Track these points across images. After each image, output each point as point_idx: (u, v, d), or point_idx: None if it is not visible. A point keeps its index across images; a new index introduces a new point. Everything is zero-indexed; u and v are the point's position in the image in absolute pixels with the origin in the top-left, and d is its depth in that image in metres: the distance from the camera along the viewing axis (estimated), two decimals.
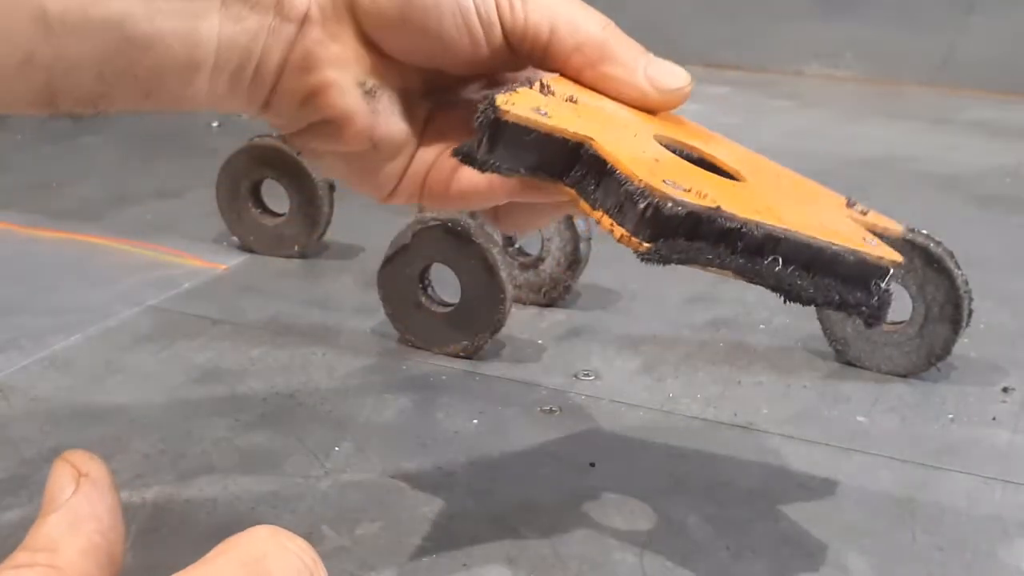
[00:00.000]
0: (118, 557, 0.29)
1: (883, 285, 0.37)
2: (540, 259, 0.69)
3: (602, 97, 0.39)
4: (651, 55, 0.39)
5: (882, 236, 0.41)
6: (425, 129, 0.40)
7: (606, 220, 0.35)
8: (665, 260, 0.35)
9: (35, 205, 0.88)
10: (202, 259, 0.78)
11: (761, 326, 0.68)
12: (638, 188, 0.34)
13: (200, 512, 0.49)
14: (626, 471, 0.52)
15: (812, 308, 0.62)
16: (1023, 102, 1.24)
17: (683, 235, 0.35)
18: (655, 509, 0.49)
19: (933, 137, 1.12)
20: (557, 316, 0.69)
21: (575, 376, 0.62)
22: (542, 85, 0.37)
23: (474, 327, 0.62)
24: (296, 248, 0.77)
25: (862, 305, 0.37)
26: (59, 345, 0.65)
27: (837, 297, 0.37)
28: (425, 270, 0.63)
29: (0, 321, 0.68)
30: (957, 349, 0.61)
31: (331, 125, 0.38)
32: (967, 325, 0.60)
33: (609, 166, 0.35)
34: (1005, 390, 0.60)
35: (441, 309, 0.63)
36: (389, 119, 0.39)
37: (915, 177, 0.99)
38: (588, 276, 0.71)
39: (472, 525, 0.48)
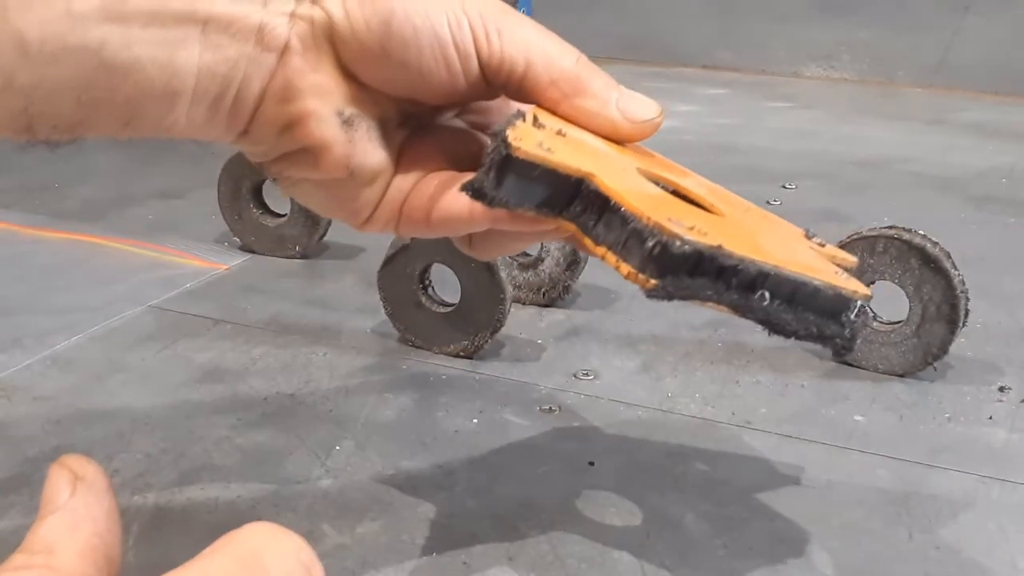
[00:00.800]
0: (116, 559, 0.29)
1: (853, 317, 0.39)
2: (539, 259, 0.69)
3: (580, 129, 0.40)
4: (622, 88, 0.40)
5: (841, 267, 0.42)
6: (401, 156, 0.41)
7: (611, 256, 0.37)
8: (670, 296, 0.36)
9: (38, 206, 0.88)
10: (204, 259, 0.78)
11: (759, 326, 0.68)
12: (646, 227, 0.35)
13: (201, 511, 0.49)
14: (625, 470, 0.53)
15: None
16: (1019, 103, 1.24)
17: (686, 272, 0.36)
18: (653, 507, 0.50)
19: (929, 138, 1.12)
20: (556, 316, 0.69)
21: (574, 376, 0.62)
22: (535, 119, 0.38)
23: (474, 327, 0.62)
24: (297, 248, 0.78)
25: (837, 337, 0.39)
26: (61, 345, 0.65)
27: (815, 330, 0.38)
28: (425, 270, 0.63)
29: (3, 320, 0.68)
30: (954, 349, 0.61)
31: (308, 153, 0.39)
32: (964, 325, 0.60)
33: (613, 203, 0.36)
34: (1001, 389, 0.61)
35: (441, 309, 0.63)
36: (366, 147, 0.39)
37: (911, 178, 0.99)
38: (587, 276, 0.71)
39: (472, 523, 0.48)
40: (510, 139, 0.35)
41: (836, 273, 0.40)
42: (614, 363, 0.63)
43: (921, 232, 0.60)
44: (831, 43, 1.38)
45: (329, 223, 0.78)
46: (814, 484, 0.52)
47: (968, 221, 0.87)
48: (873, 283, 0.61)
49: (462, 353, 0.63)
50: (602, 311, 0.70)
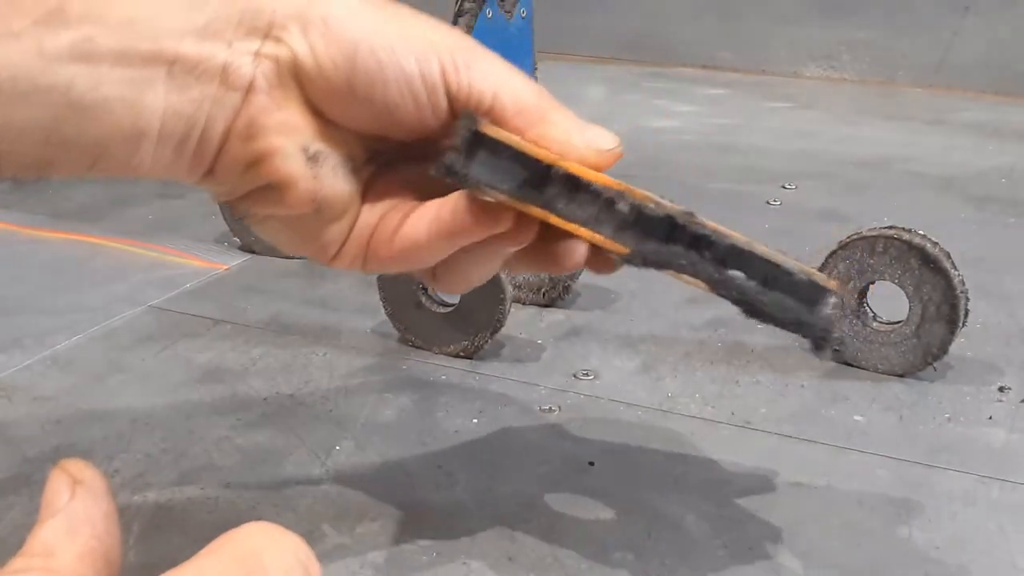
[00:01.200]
0: (115, 561, 0.29)
1: (828, 310, 0.40)
2: None
3: None
4: (582, 121, 0.40)
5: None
6: (368, 192, 0.41)
7: (584, 231, 0.37)
8: (645, 262, 0.38)
9: (38, 206, 0.88)
10: (204, 259, 0.78)
11: (759, 326, 0.68)
12: (619, 192, 0.37)
13: (201, 511, 0.49)
14: (625, 470, 0.53)
15: None
16: (1019, 103, 1.24)
17: (660, 239, 0.38)
18: (653, 508, 0.50)
19: (929, 138, 1.12)
20: (556, 316, 0.69)
21: (574, 376, 0.62)
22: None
23: (474, 327, 0.62)
24: None
25: (814, 326, 0.40)
26: (61, 345, 0.65)
27: (793, 316, 0.39)
28: None
29: (3, 321, 0.68)
30: (953, 349, 0.61)
31: (274, 190, 0.39)
32: (963, 325, 0.60)
33: (583, 181, 0.37)
34: (1001, 389, 0.61)
35: (441, 309, 0.63)
36: (332, 182, 0.39)
37: (911, 178, 0.99)
38: (587, 276, 0.71)
39: (472, 523, 0.48)
40: (479, 120, 0.36)
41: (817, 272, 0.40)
42: (614, 363, 0.63)
43: (921, 232, 0.60)
44: (831, 43, 1.38)
45: None
46: (814, 484, 0.52)
47: (968, 221, 0.87)
48: (873, 283, 0.62)
49: (462, 353, 0.63)
50: (602, 311, 0.70)
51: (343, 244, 0.41)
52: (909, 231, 0.60)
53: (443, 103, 0.38)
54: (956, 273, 0.60)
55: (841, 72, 1.36)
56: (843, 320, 0.62)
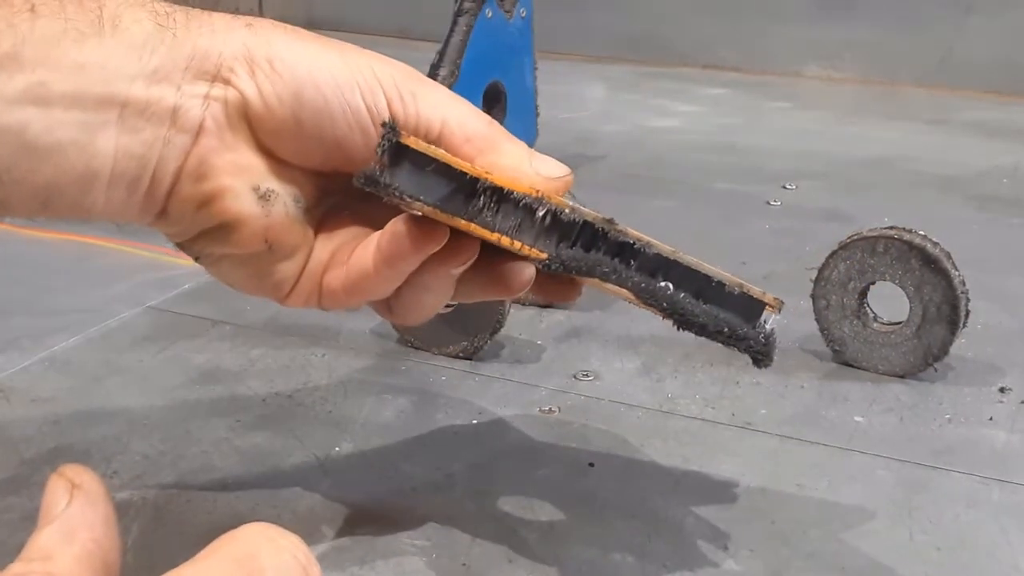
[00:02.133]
0: (113, 564, 0.29)
1: (768, 325, 0.40)
2: None
3: None
4: (533, 151, 0.41)
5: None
6: (321, 228, 0.42)
7: (505, 239, 0.38)
8: (565, 267, 0.38)
9: None
10: None
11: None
12: (536, 199, 0.37)
13: (200, 512, 0.49)
14: (625, 471, 0.53)
15: (810, 308, 0.62)
16: (1021, 102, 1.24)
17: (581, 246, 0.38)
18: (654, 509, 0.50)
19: (931, 138, 1.12)
20: (556, 317, 0.69)
21: (574, 377, 0.62)
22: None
23: (474, 328, 0.62)
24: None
25: (751, 340, 0.40)
26: (59, 346, 0.65)
27: (726, 328, 0.39)
28: None
29: (0, 322, 0.68)
30: (954, 349, 0.61)
31: (225, 229, 0.39)
32: (964, 325, 0.60)
33: (506, 191, 0.37)
34: (1002, 390, 0.60)
35: (441, 310, 0.63)
36: (284, 220, 0.40)
37: (913, 178, 0.99)
38: None
39: (471, 525, 0.48)
40: (402, 131, 0.36)
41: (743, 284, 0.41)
42: (614, 364, 0.63)
43: (922, 232, 0.60)
44: (832, 43, 1.38)
45: None
46: (815, 485, 0.52)
47: (969, 221, 0.87)
48: (874, 283, 0.61)
49: (462, 354, 0.63)
50: (602, 312, 0.70)
51: (296, 282, 0.42)
52: (910, 231, 0.60)
53: None
54: (957, 273, 0.59)
55: (842, 72, 1.36)
56: (843, 321, 0.62)
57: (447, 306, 0.63)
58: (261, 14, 1.54)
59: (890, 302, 0.62)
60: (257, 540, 0.29)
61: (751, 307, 0.40)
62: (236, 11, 1.58)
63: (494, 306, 0.61)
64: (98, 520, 0.29)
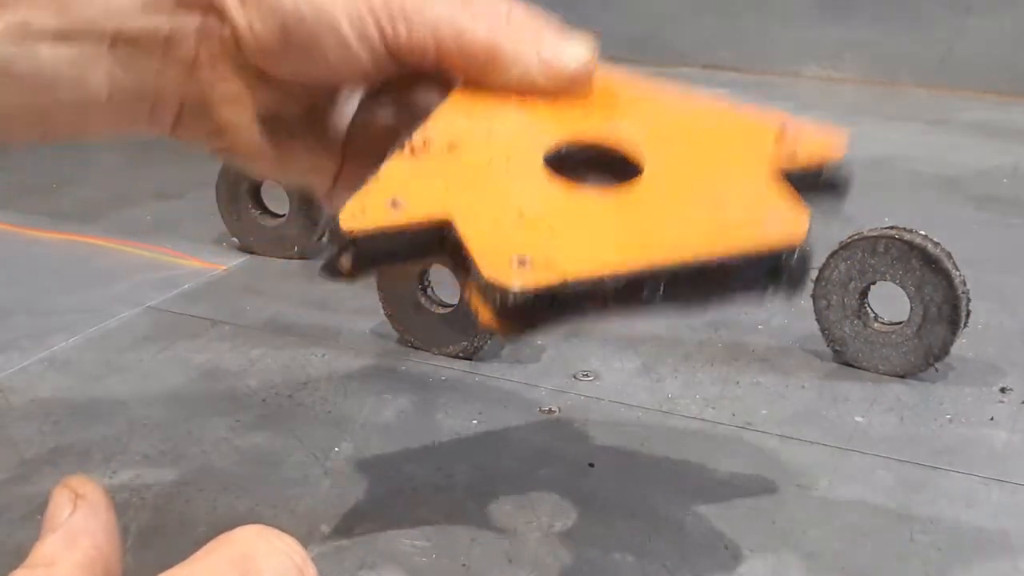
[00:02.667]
0: (115, 571, 0.30)
1: (792, 263, 0.34)
2: None
3: (505, 99, 0.38)
4: (547, 34, 0.37)
5: (816, 170, 0.38)
6: (347, 146, 0.41)
7: (475, 299, 0.33)
8: (536, 329, 0.33)
9: (35, 206, 0.88)
10: (202, 260, 0.78)
11: (759, 326, 0.68)
12: (485, 282, 0.32)
13: (200, 512, 0.49)
14: (625, 471, 0.53)
15: (811, 308, 0.62)
16: (1021, 103, 1.24)
17: (543, 308, 0.32)
18: (654, 509, 0.50)
19: (931, 138, 1.12)
20: None
21: (574, 377, 0.62)
22: (412, 147, 0.36)
23: (473, 327, 0.62)
24: (296, 249, 0.78)
25: (769, 288, 0.34)
26: (59, 346, 0.65)
27: (738, 293, 0.34)
28: (425, 271, 0.63)
29: (0, 321, 0.68)
30: (955, 349, 0.61)
31: (239, 157, 0.40)
32: (965, 325, 0.60)
33: (464, 251, 0.33)
34: (1003, 390, 0.60)
35: (440, 310, 0.63)
36: (291, 144, 0.40)
37: (913, 177, 0.99)
38: None
39: (471, 525, 0.48)
40: (342, 222, 0.33)
41: (771, 212, 0.35)
42: (614, 364, 0.63)
43: (922, 232, 0.60)
44: (833, 43, 1.37)
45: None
46: (815, 485, 0.52)
47: (970, 221, 0.87)
48: (874, 283, 0.61)
49: (461, 354, 0.63)
50: None
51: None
52: (910, 231, 0.60)
53: (387, 61, 0.37)
54: (958, 273, 0.59)
55: (842, 72, 1.36)
56: (844, 321, 0.62)
57: (447, 306, 0.63)
58: None
59: (891, 302, 0.61)
60: (253, 541, 0.29)
61: (763, 261, 0.34)
62: None
63: None
64: (100, 528, 0.30)
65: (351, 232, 0.33)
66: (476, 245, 0.33)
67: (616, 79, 0.40)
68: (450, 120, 0.37)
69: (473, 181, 0.35)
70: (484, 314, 0.33)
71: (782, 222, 0.34)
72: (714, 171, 0.38)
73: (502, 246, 0.33)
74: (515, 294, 0.32)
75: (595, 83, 0.39)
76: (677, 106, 0.42)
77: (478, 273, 0.32)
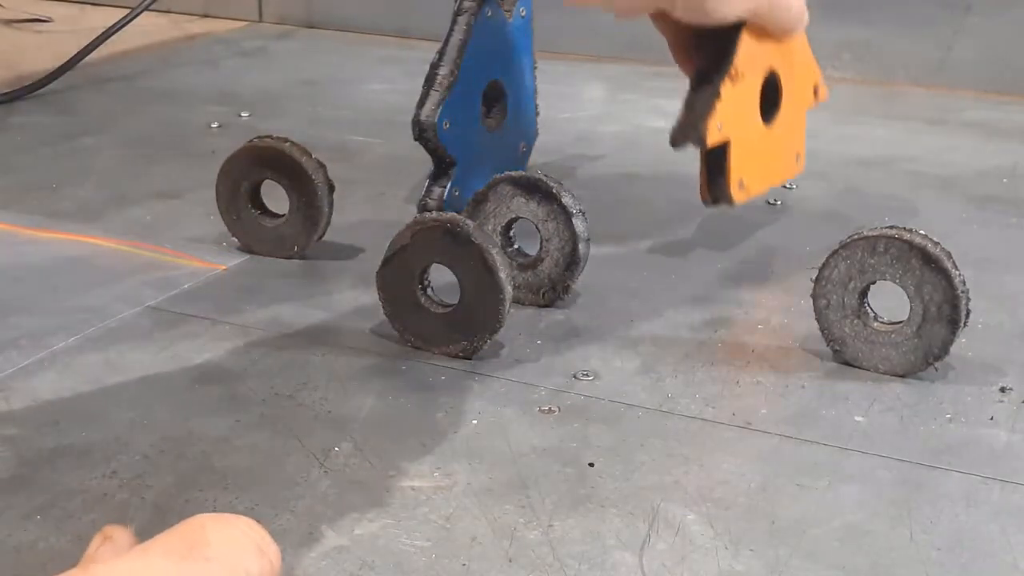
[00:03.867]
0: None
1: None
2: (539, 259, 0.69)
3: (753, 37, 0.62)
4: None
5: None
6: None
7: (704, 187, 0.66)
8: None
9: (34, 206, 0.88)
10: (202, 260, 0.78)
11: (759, 326, 0.68)
12: (725, 192, 0.66)
13: (200, 512, 0.48)
14: (625, 471, 0.53)
15: (810, 308, 0.62)
16: (1020, 102, 1.24)
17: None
18: (654, 508, 0.50)
19: (930, 138, 1.12)
20: (556, 316, 0.69)
21: (574, 376, 0.62)
22: (732, 76, 0.61)
23: (473, 327, 0.62)
24: (296, 249, 0.78)
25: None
26: (59, 346, 0.65)
27: None
28: (424, 270, 0.63)
29: (0, 321, 0.68)
30: (955, 349, 0.61)
31: None
32: (965, 325, 0.60)
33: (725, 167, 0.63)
34: (1003, 390, 0.60)
35: (440, 309, 0.63)
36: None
37: (913, 177, 0.99)
38: (587, 276, 0.71)
39: (471, 525, 0.48)
40: (709, 138, 0.58)
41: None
42: (614, 364, 0.63)
43: (922, 232, 0.60)
44: (831, 43, 1.37)
45: (328, 224, 0.77)
46: (814, 485, 0.52)
47: (969, 221, 0.87)
48: (874, 283, 0.61)
49: (461, 354, 0.63)
50: (602, 311, 0.70)
51: None
52: (910, 231, 0.60)
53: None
54: (957, 273, 0.59)
55: (841, 72, 1.35)
56: (843, 321, 0.62)
57: (446, 306, 0.63)
58: (260, 15, 1.54)
59: (890, 301, 0.62)
60: (203, 518, 0.31)
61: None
62: (231, 11, 1.57)
63: (493, 306, 0.61)
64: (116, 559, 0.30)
65: (712, 143, 0.56)
66: (732, 166, 0.61)
67: None
68: (741, 54, 0.61)
69: (740, 111, 0.62)
70: (704, 194, 0.65)
71: (798, 161, 0.67)
72: (798, 110, 0.71)
73: (736, 170, 0.61)
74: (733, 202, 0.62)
75: None
76: (800, 50, 0.70)
77: (725, 185, 0.62)
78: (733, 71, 0.60)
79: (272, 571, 0.31)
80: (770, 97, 0.68)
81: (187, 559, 0.29)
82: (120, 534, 0.31)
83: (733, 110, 0.62)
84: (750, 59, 0.62)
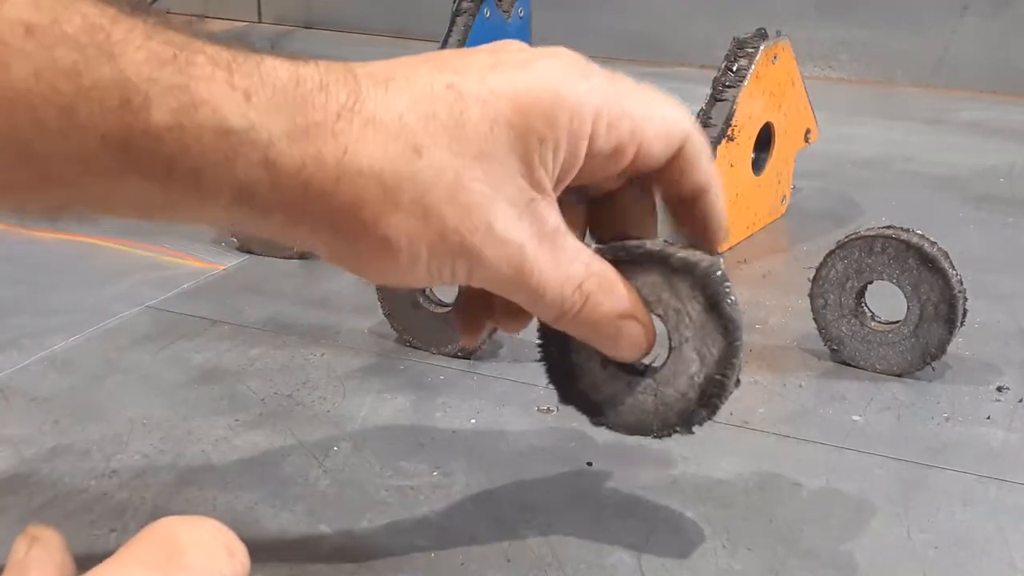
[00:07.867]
0: None
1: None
2: None
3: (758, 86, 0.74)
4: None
5: None
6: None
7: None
8: None
9: None
10: (201, 260, 0.78)
11: (757, 326, 0.68)
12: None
13: (199, 512, 0.48)
14: (623, 470, 0.53)
15: (808, 307, 0.63)
16: (1017, 102, 1.24)
17: None
18: (652, 508, 0.50)
19: (928, 138, 1.12)
20: None
21: None
22: (730, 135, 0.69)
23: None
24: (295, 249, 0.78)
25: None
26: (59, 345, 0.65)
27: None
28: None
29: (0, 321, 0.68)
30: (952, 348, 0.61)
31: None
32: (962, 325, 0.60)
33: None
34: (999, 389, 0.61)
35: (439, 309, 0.63)
36: None
37: (910, 177, 0.99)
38: None
39: (470, 524, 0.48)
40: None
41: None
42: None
43: (919, 232, 0.60)
44: (829, 43, 1.38)
45: None
46: (812, 484, 0.52)
47: (966, 220, 0.87)
48: (871, 283, 0.61)
49: (460, 353, 0.63)
50: None
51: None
52: (907, 231, 0.60)
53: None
54: (954, 273, 0.60)
55: (839, 72, 1.36)
56: (841, 320, 0.62)
57: (445, 305, 0.63)
58: (259, 15, 1.54)
59: (888, 301, 0.62)
60: (171, 522, 0.31)
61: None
62: (231, 11, 1.56)
63: None
64: (51, 564, 0.30)
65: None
66: None
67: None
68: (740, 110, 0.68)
69: (735, 167, 0.67)
70: None
71: (783, 203, 0.67)
72: (788, 155, 0.78)
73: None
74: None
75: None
76: (796, 97, 0.75)
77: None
78: (731, 130, 0.71)
79: (244, 572, 0.31)
80: (763, 143, 0.74)
81: (166, 570, 0.29)
82: (48, 534, 0.31)
83: (725, 170, 0.68)
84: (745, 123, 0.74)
